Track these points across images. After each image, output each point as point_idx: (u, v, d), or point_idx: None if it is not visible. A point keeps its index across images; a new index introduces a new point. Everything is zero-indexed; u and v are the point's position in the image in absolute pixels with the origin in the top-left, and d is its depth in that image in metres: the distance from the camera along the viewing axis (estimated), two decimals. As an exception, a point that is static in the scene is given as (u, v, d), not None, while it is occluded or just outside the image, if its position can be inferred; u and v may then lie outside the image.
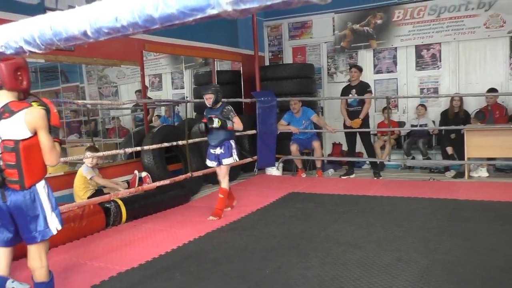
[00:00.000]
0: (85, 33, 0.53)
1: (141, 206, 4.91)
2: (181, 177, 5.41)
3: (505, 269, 3.07)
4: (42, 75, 5.79)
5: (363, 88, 6.74)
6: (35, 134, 2.18)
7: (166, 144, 5.42)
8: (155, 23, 0.47)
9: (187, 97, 8.07)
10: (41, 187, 2.28)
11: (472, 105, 7.07)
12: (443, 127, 6.86)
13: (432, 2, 7.32)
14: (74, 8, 0.59)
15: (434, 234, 3.89)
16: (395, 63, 7.86)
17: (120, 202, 4.64)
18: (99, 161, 5.18)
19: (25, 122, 2.13)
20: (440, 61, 7.53)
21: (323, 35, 8.31)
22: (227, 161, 4.74)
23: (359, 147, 7.14)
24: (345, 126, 6.88)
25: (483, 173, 6.49)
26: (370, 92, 6.86)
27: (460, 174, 6.52)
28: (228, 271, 3.26)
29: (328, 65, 8.40)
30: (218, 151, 4.73)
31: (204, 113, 4.85)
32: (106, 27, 0.51)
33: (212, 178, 6.53)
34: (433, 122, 7.34)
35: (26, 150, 2.17)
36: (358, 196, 5.50)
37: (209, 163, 4.87)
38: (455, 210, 4.66)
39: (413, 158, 7.28)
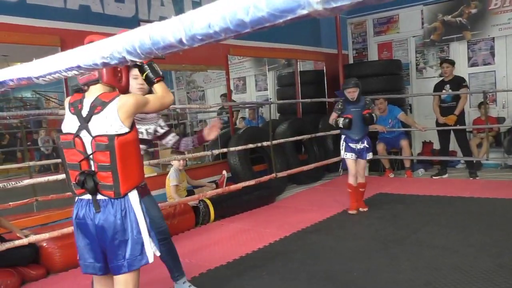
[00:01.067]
0: (180, 41, 0.56)
1: (228, 206, 5.06)
2: (266, 177, 5.48)
3: None
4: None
5: (457, 82, 6.33)
6: (132, 129, 1.89)
7: (251, 146, 5.52)
8: (246, 27, 0.49)
9: (270, 98, 8.17)
10: (136, 200, 1.92)
11: None
12: (550, 122, 6.21)
13: (535, -14, 6.68)
14: (165, 18, 0.63)
15: (541, 239, 3.54)
16: (492, 54, 7.27)
17: (208, 202, 4.83)
18: (188, 163, 5.41)
19: (118, 110, 1.84)
20: (546, 51, 6.83)
21: (410, 29, 7.93)
22: (370, 155, 4.95)
23: (452, 145, 6.71)
24: (437, 124, 6.50)
25: None
26: (466, 86, 6.42)
27: None
28: (314, 272, 3.24)
29: (416, 60, 8.00)
30: (360, 145, 4.72)
31: (341, 107, 4.74)
32: (200, 33, 0.54)
33: (297, 179, 6.55)
34: (538, 116, 6.68)
35: (122, 148, 1.84)
36: (452, 197, 5.17)
37: (347, 155, 4.75)
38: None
39: (517, 156, 6.68)
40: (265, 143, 5.60)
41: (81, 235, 1.94)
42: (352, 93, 4.62)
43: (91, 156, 1.87)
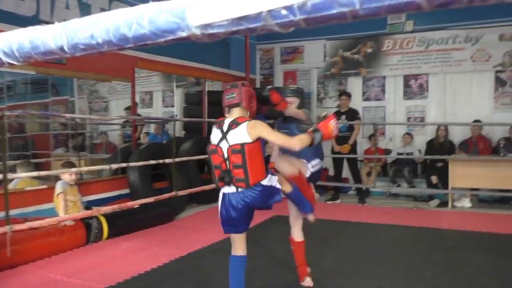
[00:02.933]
0: (61, 48, 0.55)
1: (124, 223, 4.86)
2: (166, 195, 5.38)
3: (485, 300, 3.08)
4: (32, 87, 5.78)
5: (352, 114, 6.83)
6: (255, 140, 2.56)
7: (152, 162, 5.40)
8: (128, 42, 0.49)
9: (176, 115, 8.09)
10: (267, 183, 2.62)
11: (457, 136, 7.18)
12: (428, 156, 6.95)
13: (420, 34, 7.51)
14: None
15: (416, 262, 3.90)
16: (383, 91, 7.99)
17: (102, 219, 4.59)
18: (83, 176, 5.11)
19: (247, 131, 2.55)
20: (428, 91, 7.67)
21: (314, 61, 8.45)
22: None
23: (346, 172, 7.18)
24: (332, 152, 6.93)
25: (466, 203, 6.55)
26: (359, 118, 6.95)
27: (443, 204, 6.57)
28: (208, 293, 3.22)
29: (318, 90, 8.50)
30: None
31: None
32: (82, 43, 0.53)
33: (198, 198, 6.51)
34: (419, 151, 7.42)
35: (250, 151, 2.54)
36: (342, 221, 5.50)
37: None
38: (438, 239, 4.68)
39: (398, 185, 7.34)
40: (167, 160, 5.52)
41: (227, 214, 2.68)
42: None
43: (228, 159, 2.57)
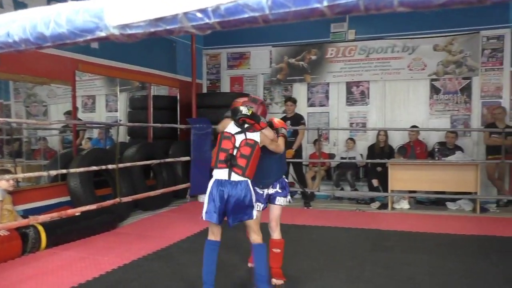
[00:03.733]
0: (-24, 46, 0.53)
1: (64, 232, 4.66)
2: (109, 202, 5.22)
3: (419, 296, 3.24)
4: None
5: (297, 119, 6.97)
6: (261, 146, 3.11)
7: (94, 168, 5.23)
8: (46, 41, 0.49)
9: (120, 120, 7.89)
10: (250, 185, 3.04)
11: (396, 141, 7.52)
12: (369, 160, 7.22)
13: (362, 43, 7.81)
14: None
15: (357, 263, 4.03)
16: (327, 97, 8.23)
17: (40, 228, 4.38)
18: (19, 184, 4.86)
19: (260, 137, 3.10)
20: (369, 98, 7.98)
21: (260, 67, 8.55)
22: (283, 201, 3.66)
23: (291, 177, 7.30)
24: (278, 156, 7.02)
25: (404, 205, 6.85)
26: (304, 124, 7.11)
27: (384, 206, 6.84)
28: (151, 300, 3.16)
29: (264, 96, 8.61)
30: (273, 190, 3.64)
31: None
32: (-2, 41, 0.52)
33: (143, 204, 6.38)
34: (361, 155, 7.70)
35: (257, 151, 3.07)
36: (287, 224, 5.56)
37: (258, 206, 3.47)
38: (378, 240, 4.87)
39: (342, 189, 7.56)
40: (110, 166, 5.37)
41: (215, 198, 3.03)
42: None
43: (239, 148, 3.05)
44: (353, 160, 7.52)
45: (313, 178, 7.55)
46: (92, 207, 4.93)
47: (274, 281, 3.39)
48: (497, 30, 7.15)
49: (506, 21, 7.08)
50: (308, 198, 7.06)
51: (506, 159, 6.23)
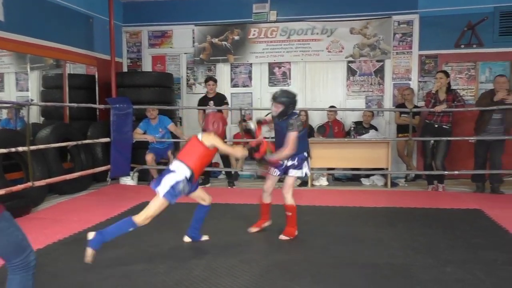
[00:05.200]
0: None
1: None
2: (20, 186, 4.93)
3: (333, 264, 3.45)
4: None
5: (220, 99, 6.98)
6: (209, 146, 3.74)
7: (3, 150, 4.89)
8: None
9: (32, 100, 7.40)
10: (184, 172, 3.63)
11: (316, 121, 7.81)
12: (291, 140, 7.42)
13: (283, 24, 7.95)
14: None
15: (276, 237, 4.18)
16: (250, 78, 8.30)
17: None
18: None
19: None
20: (290, 79, 8.18)
21: (183, 46, 8.41)
22: (296, 173, 4.24)
23: (216, 157, 7.33)
24: (201, 137, 7.01)
25: (323, 181, 7.18)
26: (227, 103, 7.13)
27: (304, 183, 7.11)
28: (67, 285, 3.07)
29: (187, 76, 8.50)
30: (289, 162, 4.20)
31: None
32: None
33: (60, 188, 6.10)
34: (284, 134, 7.88)
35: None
36: (211, 204, 5.62)
37: (273, 172, 4.36)
38: (297, 215, 5.06)
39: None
40: (20, 148, 5.05)
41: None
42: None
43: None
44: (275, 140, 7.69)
45: (237, 158, 7.63)
46: (1, 192, 4.63)
47: (282, 237, 4.14)
48: (406, 16, 7.62)
49: (415, 7, 7.56)
50: (231, 178, 7.15)
51: (413, 137, 6.74)
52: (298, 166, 4.21)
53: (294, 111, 4.20)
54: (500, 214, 4.86)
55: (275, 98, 4.12)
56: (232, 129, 8.21)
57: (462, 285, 3.00)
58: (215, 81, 7.10)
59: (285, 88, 5.17)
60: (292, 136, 4.00)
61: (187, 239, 4.02)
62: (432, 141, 6.49)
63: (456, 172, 6.57)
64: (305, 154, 4.27)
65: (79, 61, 7.56)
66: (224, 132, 4.02)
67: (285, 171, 4.27)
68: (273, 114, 4.19)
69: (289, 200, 4.19)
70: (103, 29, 7.66)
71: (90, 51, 7.65)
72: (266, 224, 4.46)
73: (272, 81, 8.25)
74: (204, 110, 6.96)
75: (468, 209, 5.22)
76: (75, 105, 6.51)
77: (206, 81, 7.15)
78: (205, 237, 4.09)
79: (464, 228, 4.43)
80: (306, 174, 4.32)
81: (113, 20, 7.39)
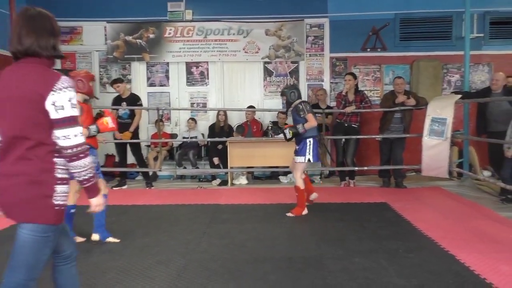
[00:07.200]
0: None
1: None
2: None
3: (250, 260, 3.52)
4: None
5: (133, 100, 6.78)
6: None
7: None
8: None
9: None
10: None
11: (235, 120, 7.89)
12: (210, 139, 7.45)
13: (199, 24, 7.92)
14: None
15: (194, 236, 4.18)
16: (167, 77, 8.17)
17: None
18: None
19: None
20: (208, 79, 8.17)
21: (95, 43, 8.05)
22: (298, 159, 4.93)
23: (133, 158, 7.13)
24: (115, 138, 6.78)
25: (243, 180, 7.27)
26: (141, 104, 6.95)
27: (224, 182, 7.16)
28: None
29: (100, 74, 8.15)
30: (296, 147, 5.04)
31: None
32: None
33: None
34: (202, 134, 7.89)
35: None
36: (127, 206, 5.47)
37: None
38: (216, 214, 5.10)
39: (184, 168, 7.66)
40: None
41: None
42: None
43: None
44: (194, 140, 7.67)
45: (155, 158, 7.49)
46: None
47: (289, 214, 4.94)
48: (318, 19, 7.96)
49: (325, 11, 7.92)
50: (149, 179, 7.00)
51: (326, 136, 7.06)
52: (302, 152, 4.89)
53: (301, 100, 4.99)
54: (403, 207, 5.27)
55: (280, 94, 5.24)
56: (150, 129, 8.03)
57: (368, 274, 3.21)
58: (122, 81, 6.87)
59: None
60: (309, 117, 4.83)
61: (95, 237, 3.99)
62: (343, 140, 6.85)
63: (365, 168, 7.00)
64: (310, 140, 4.86)
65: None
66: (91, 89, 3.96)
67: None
68: (283, 108, 5.07)
69: (297, 182, 4.97)
70: (3, 23, 7.09)
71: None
72: (313, 196, 5.24)
73: (190, 81, 8.18)
74: (117, 110, 6.73)
75: (376, 203, 5.59)
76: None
77: (112, 84, 6.87)
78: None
79: (371, 220, 4.74)
80: (309, 160, 4.88)
81: (15, 13, 6.87)
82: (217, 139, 7.28)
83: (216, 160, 7.32)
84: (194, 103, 8.21)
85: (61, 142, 1.85)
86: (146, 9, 7.86)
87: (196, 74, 8.17)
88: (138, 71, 8.10)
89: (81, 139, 1.88)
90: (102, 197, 2.08)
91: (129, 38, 7.93)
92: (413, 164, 6.66)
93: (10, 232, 4.27)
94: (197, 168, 7.60)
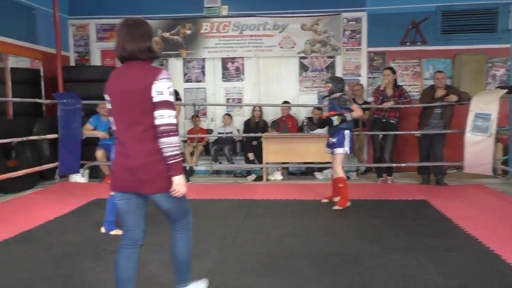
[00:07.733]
0: None
1: None
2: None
3: (285, 256, 3.51)
4: None
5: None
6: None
7: None
8: None
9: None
10: None
11: (270, 116, 7.88)
12: (245, 135, 7.47)
13: (235, 19, 7.94)
14: None
15: (230, 231, 4.20)
16: (203, 73, 8.24)
17: None
18: None
19: None
20: (244, 74, 8.19)
21: (133, 40, 8.20)
22: (339, 151, 5.02)
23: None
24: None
25: (278, 176, 7.26)
26: (180, 99, 7.05)
27: (259, 178, 7.17)
28: (11, 284, 2.94)
29: (138, 71, 8.30)
30: (332, 140, 5.11)
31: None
32: None
33: (4, 187, 5.82)
34: (238, 130, 7.92)
35: None
36: (164, 200, 5.55)
37: (325, 150, 5.31)
38: (251, 209, 5.11)
39: (220, 163, 7.72)
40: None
41: None
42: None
43: None
44: (230, 135, 7.71)
45: (192, 153, 7.58)
46: None
47: (336, 207, 5.00)
48: (355, 13, 7.81)
49: (363, 5, 7.77)
50: (186, 173, 7.09)
51: (364, 132, 6.94)
52: (340, 144, 5.01)
53: (343, 92, 5.14)
54: (444, 204, 5.11)
55: (325, 81, 5.34)
56: (186, 124, 8.13)
57: (407, 271, 3.14)
58: None
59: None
60: (355, 107, 5.06)
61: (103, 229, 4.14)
62: (380, 135, 6.71)
63: (403, 165, 6.83)
64: (347, 132, 4.99)
65: (21, 54, 7.21)
66: None
67: (332, 150, 5.13)
68: (325, 93, 5.32)
69: (339, 173, 5.04)
70: (46, 21, 7.35)
71: (34, 44, 7.31)
72: (335, 199, 5.20)
73: (225, 76, 8.23)
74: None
75: (415, 200, 5.45)
76: (19, 100, 6.23)
77: None
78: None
79: (410, 217, 4.63)
80: (346, 152, 5.04)
81: (58, 12, 7.10)
82: (252, 134, 7.29)
83: (251, 156, 7.34)
84: (230, 98, 8.25)
85: (157, 121, 2.20)
86: (183, 6, 7.94)
87: (231, 69, 8.20)
88: (175, 67, 8.21)
89: (173, 120, 2.23)
90: (185, 178, 2.37)
91: (166, 34, 8.05)
92: (454, 161, 6.44)
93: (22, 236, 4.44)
94: (233, 163, 7.64)
